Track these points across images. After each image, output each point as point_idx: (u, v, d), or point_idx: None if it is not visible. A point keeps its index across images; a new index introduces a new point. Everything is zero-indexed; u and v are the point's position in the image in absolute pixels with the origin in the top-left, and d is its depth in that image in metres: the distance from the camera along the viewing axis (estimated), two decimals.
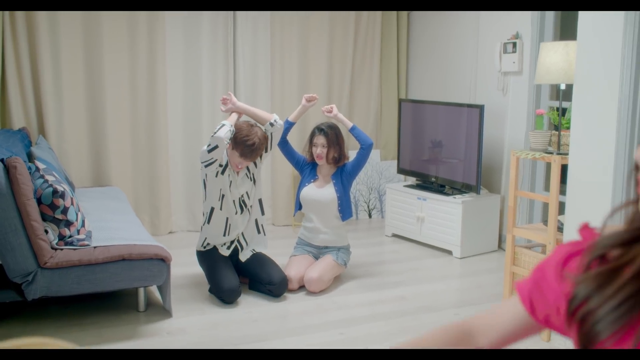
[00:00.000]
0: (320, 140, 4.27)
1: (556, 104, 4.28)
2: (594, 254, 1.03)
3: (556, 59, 3.45)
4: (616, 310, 0.98)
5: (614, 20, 3.04)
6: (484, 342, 1.16)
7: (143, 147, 5.40)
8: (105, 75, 5.17)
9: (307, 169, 4.40)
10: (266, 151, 4.12)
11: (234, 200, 4.06)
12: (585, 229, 1.14)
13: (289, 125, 4.31)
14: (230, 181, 4.03)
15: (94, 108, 5.22)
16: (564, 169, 3.43)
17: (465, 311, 3.89)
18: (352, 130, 4.33)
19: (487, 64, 5.42)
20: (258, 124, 4.07)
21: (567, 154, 3.37)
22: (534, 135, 3.65)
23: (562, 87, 3.60)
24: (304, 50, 5.93)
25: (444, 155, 5.39)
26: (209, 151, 3.84)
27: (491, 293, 4.20)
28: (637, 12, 2.96)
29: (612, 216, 1.09)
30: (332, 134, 4.28)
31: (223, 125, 3.87)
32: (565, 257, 1.12)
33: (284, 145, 4.35)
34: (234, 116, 4.03)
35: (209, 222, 4.10)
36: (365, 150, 4.28)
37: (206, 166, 3.93)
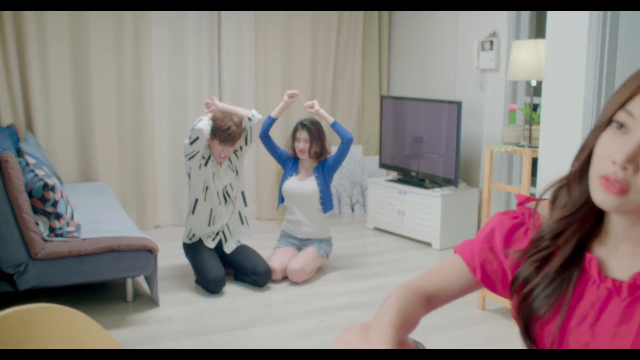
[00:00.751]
0: (303, 135, 4.41)
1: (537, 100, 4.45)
2: (534, 247, 1.21)
3: (527, 56, 3.61)
4: (548, 289, 1.16)
5: (580, 19, 3.19)
6: (435, 302, 1.31)
7: (129, 142, 5.51)
8: (92, 72, 5.27)
9: (289, 163, 4.53)
10: (246, 143, 4.26)
11: (217, 192, 4.20)
12: (521, 204, 1.30)
13: (271, 121, 4.44)
14: (214, 172, 4.18)
15: (81, 105, 5.32)
16: (535, 161, 3.59)
17: None
18: (333, 125, 4.46)
19: (466, 62, 5.58)
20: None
21: (537, 147, 3.53)
22: (506, 130, 3.81)
23: (533, 83, 3.76)
24: (288, 48, 6.06)
25: (425, 150, 5.54)
26: (191, 143, 4.02)
27: None
28: (602, 11, 3.12)
29: (543, 195, 1.26)
30: (314, 129, 4.42)
31: (201, 119, 4.05)
32: (508, 230, 1.28)
33: (267, 140, 4.48)
34: (211, 114, 4.19)
35: (193, 212, 4.24)
36: (345, 144, 4.42)
37: (189, 159, 4.08)
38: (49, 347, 1.09)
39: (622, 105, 1.03)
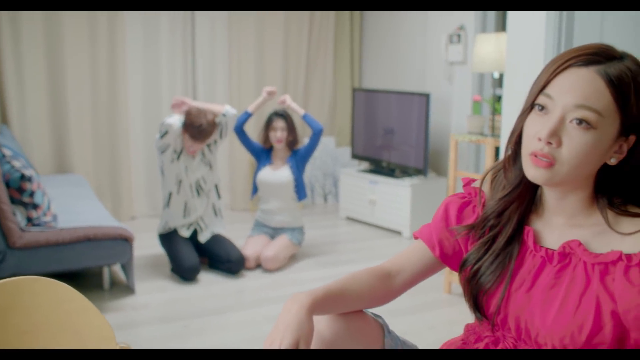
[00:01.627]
0: (279, 124, 4.52)
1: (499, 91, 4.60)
2: (481, 227, 1.35)
3: (489, 49, 3.76)
4: (493, 265, 1.31)
5: (538, 13, 3.34)
6: (399, 281, 1.45)
7: (104, 135, 5.57)
8: (66, 66, 5.31)
9: (263, 154, 4.64)
10: (221, 137, 4.36)
11: (190, 185, 4.30)
12: (467, 184, 1.44)
13: (247, 116, 4.54)
14: (186, 166, 4.27)
15: (55, 98, 5.36)
16: (499, 150, 3.74)
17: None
18: (304, 117, 4.58)
19: (435, 55, 5.73)
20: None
21: (500, 137, 3.68)
22: (471, 120, 3.95)
23: (496, 75, 3.91)
24: (261, 43, 6.15)
25: (396, 141, 5.68)
26: (161, 137, 4.13)
27: None
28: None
29: (484, 178, 1.40)
30: (289, 118, 4.54)
31: (171, 115, 4.17)
32: (459, 208, 1.42)
33: (242, 134, 4.57)
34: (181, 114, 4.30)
35: (168, 205, 4.34)
36: (316, 135, 4.54)
37: (161, 153, 4.20)
38: (35, 315, 1.20)
39: (541, 90, 1.18)
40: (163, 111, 5.77)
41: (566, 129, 1.15)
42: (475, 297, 1.34)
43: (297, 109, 4.61)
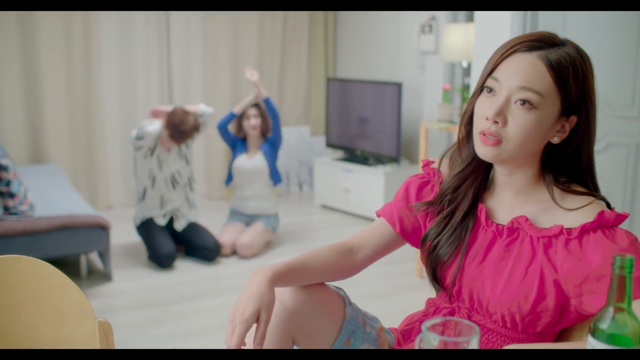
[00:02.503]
0: (252, 111, 4.59)
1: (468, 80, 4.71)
2: (439, 202, 1.45)
3: (458, 39, 3.86)
4: (450, 239, 1.40)
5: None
6: (360, 256, 1.54)
7: (80, 125, 5.59)
8: (41, 58, 5.32)
9: (238, 144, 4.71)
10: (198, 132, 4.43)
11: (165, 179, 4.37)
12: (426, 165, 1.53)
13: (232, 117, 4.59)
14: (161, 161, 4.33)
15: (30, 89, 5.36)
16: None
17: (386, 269, 4.29)
18: (266, 101, 4.54)
19: (407, 44, 5.82)
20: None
21: None
22: (441, 108, 4.06)
23: (464, 64, 4.01)
24: (235, 33, 6.20)
25: (370, 130, 5.78)
26: (137, 139, 4.20)
27: (408, 252, 4.61)
28: None
29: (444, 157, 1.50)
30: (261, 105, 4.61)
31: (151, 122, 4.20)
32: (418, 187, 1.52)
33: (225, 133, 4.64)
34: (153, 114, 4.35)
35: (143, 199, 4.40)
36: (276, 119, 4.57)
37: (135, 150, 4.26)
38: (18, 291, 1.27)
39: (490, 74, 1.28)
40: (139, 102, 5.81)
41: (511, 109, 1.25)
42: (434, 268, 1.44)
43: (262, 90, 4.57)
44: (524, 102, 1.23)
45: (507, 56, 1.27)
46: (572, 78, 1.24)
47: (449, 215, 1.43)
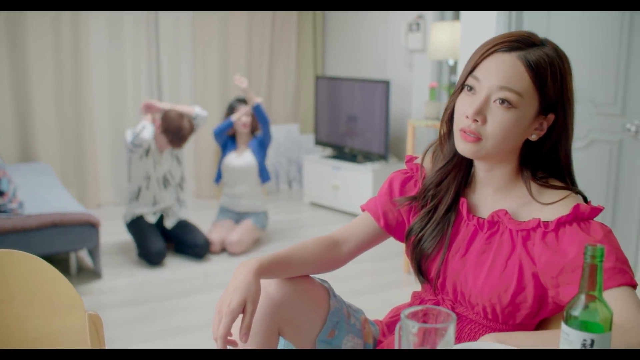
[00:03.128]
0: (243, 109, 4.62)
1: (454, 78, 4.75)
2: (422, 197, 1.48)
3: (444, 37, 3.90)
4: (433, 233, 1.44)
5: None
6: (345, 249, 1.57)
7: (70, 124, 5.60)
8: (30, 54, 5.32)
9: (228, 142, 4.74)
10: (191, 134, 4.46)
11: (157, 179, 4.39)
12: (409, 160, 1.57)
13: (229, 126, 4.63)
14: (155, 161, 4.36)
15: (19, 87, 5.36)
16: None
17: (374, 265, 4.34)
18: (256, 108, 4.55)
19: (395, 42, 5.86)
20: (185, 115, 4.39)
21: None
22: (427, 106, 4.10)
23: (451, 62, 4.06)
24: (225, 32, 6.22)
25: (358, 128, 5.82)
26: (135, 146, 4.21)
27: (395, 248, 4.65)
28: None
29: (427, 152, 1.53)
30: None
31: (145, 126, 4.20)
32: (402, 182, 1.55)
33: (221, 139, 4.68)
34: (145, 111, 4.35)
35: (137, 199, 4.42)
36: (266, 125, 4.60)
37: (130, 152, 4.28)
38: (11, 285, 1.30)
39: (470, 72, 1.32)
40: (128, 100, 5.83)
41: (490, 108, 1.29)
42: (419, 262, 1.48)
43: (252, 97, 4.61)
44: (503, 101, 1.27)
45: (487, 56, 1.30)
46: (550, 78, 1.28)
47: (432, 209, 1.47)
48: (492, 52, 1.30)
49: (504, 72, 1.27)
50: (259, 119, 4.59)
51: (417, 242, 1.47)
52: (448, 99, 1.43)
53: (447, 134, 1.43)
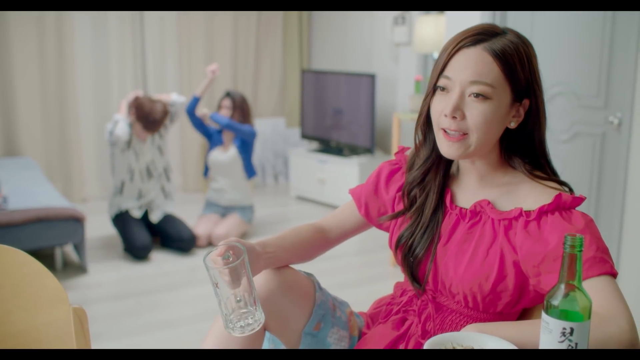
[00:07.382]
0: (226, 103, 4.61)
1: None
2: (407, 195, 1.49)
3: (429, 30, 3.92)
4: (422, 237, 1.44)
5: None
6: (331, 236, 1.60)
7: (54, 118, 5.57)
8: (14, 50, 5.28)
9: (215, 135, 4.73)
10: (171, 122, 4.44)
11: (140, 171, 4.38)
12: (399, 152, 1.58)
13: (196, 101, 4.57)
14: (137, 153, 4.35)
15: (3, 81, 5.33)
16: None
17: (360, 258, 4.35)
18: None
19: (381, 36, 5.87)
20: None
21: None
22: (412, 99, 4.11)
23: (435, 56, 4.07)
24: (210, 27, 6.20)
25: (344, 121, 5.83)
26: (110, 142, 4.25)
27: (382, 241, 4.67)
28: None
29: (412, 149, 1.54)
30: (239, 99, 4.62)
31: (117, 121, 4.21)
32: (389, 173, 1.57)
33: (193, 118, 4.63)
34: (124, 106, 4.34)
35: (121, 193, 4.40)
36: (230, 127, 4.54)
37: (112, 145, 4.29)
38: None
39: (440, 73, 1.32)
40: (113, 95, 5.80)
41: (466, 102, 1.30)
42: (412, 269, 1.46)
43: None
44: (477, 94, 1.28)
45: (454, 53, 1.31)
46: (518, 64, 1.30)
47: (419, 215, 1.47)
48: (459, 49, 1.31)
49: (473, 66, 1.28)
50: (227, 128, 4.54)
51: (409, 249, 1.46)
52: (421, 105, 1.42)
53: (423, 140, 1.45)
